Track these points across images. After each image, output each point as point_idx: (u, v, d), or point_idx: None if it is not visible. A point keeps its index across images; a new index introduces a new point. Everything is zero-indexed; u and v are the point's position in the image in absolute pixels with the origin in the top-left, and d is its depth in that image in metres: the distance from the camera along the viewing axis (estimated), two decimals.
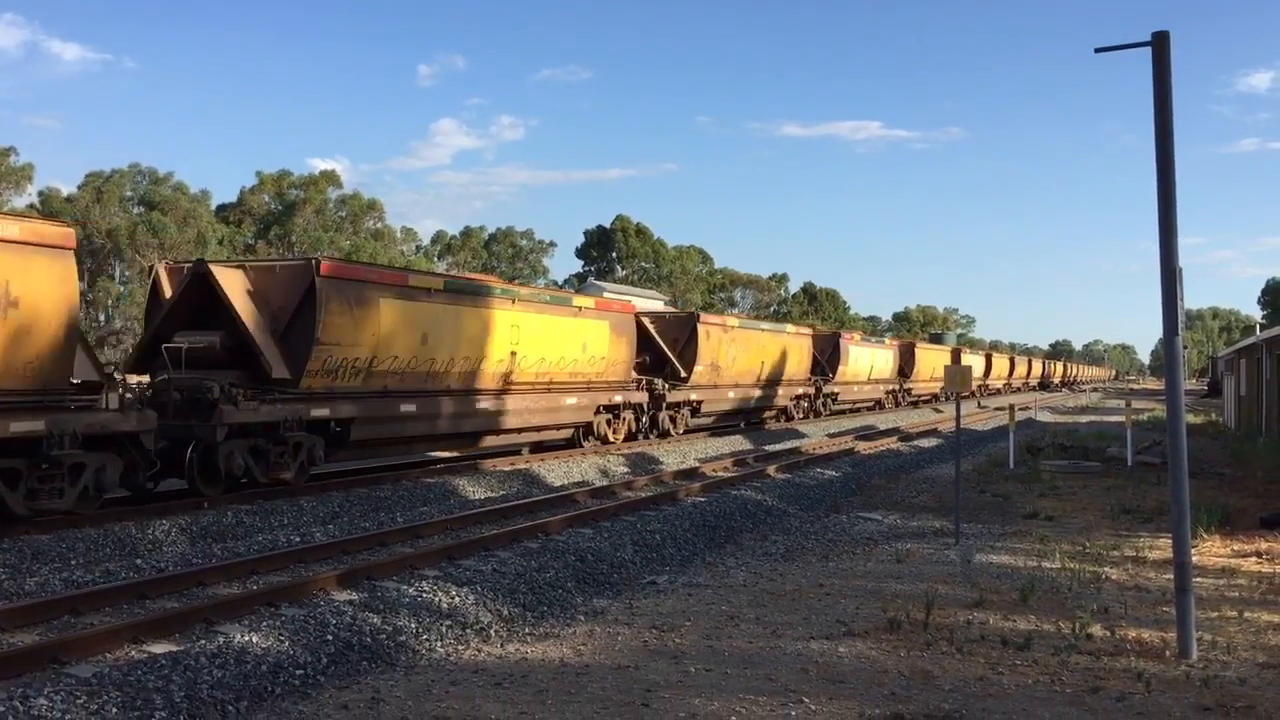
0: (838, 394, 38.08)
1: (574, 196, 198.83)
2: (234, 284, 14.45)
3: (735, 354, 28.15)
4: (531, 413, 19.85)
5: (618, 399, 22.87)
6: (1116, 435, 26.70)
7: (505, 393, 18.96)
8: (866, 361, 41.01)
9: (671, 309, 50.66)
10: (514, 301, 19.10)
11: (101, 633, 7.27)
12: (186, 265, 15.16)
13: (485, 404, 18.37)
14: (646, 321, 25.63)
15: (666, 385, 25.10)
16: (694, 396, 26.47)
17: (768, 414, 32.85)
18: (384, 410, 16.05)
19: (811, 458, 21.99)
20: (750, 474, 18.30)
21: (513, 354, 18.74)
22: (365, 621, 7.81)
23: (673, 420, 25.73)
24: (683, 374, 25.66)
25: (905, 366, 47.40)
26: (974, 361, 58.43)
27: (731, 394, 28.66)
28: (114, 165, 66.89)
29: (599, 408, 22.24)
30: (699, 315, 27.15)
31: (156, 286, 15.35)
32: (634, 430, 23.94)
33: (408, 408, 16.45)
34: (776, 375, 31.67)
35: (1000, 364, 70.45)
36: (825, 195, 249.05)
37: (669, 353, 25.64)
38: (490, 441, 19.84)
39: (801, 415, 34.80)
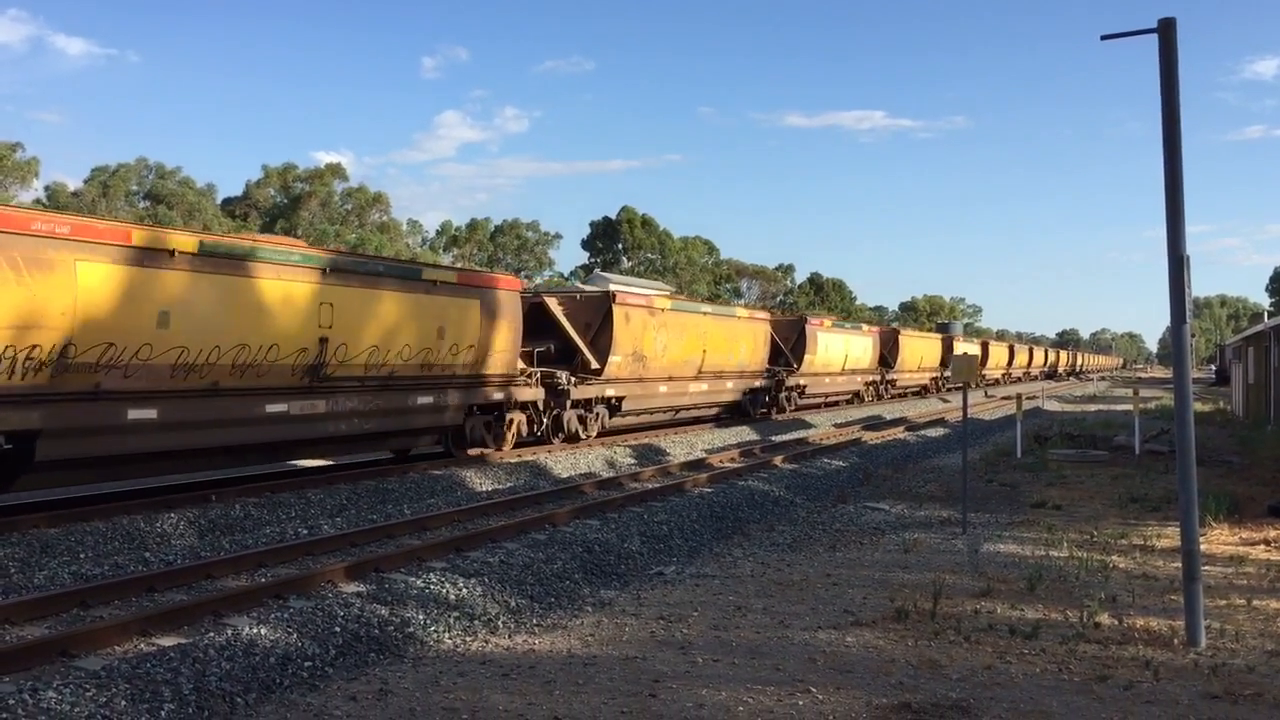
0: (804, 386, 33.92)
1: (579, 188, 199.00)
2: None
3: (667, 341, 24.06)
4: (362, 416, 15.71)
5: (498, 397, 18.67)
6: (1124, 424, 26.67)
7: (313, 392, 14.76)
8: (839, 350, 36.87)
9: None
10: (326, 272, 14.77)
11: (110, 626, 7.30)
12: None
13: (281, 407, 14.25)
14: (552, 303, 21.64)
15: (572, 379, 20.83)
16: (611, 392, 22.31)
17: (717, 410, 29.12)
18: (96, 418, 11.82)
19: (818, 448, 22.01)
20: (756, 465, 18.33)
21: (323, 341, 14.60)
22: (373, 613, 7.83)
23: (583, 421, 21.61)
24: (594, 365, 21.54)
25: (888, 356, 43.71)
26: (968, 350, 57.35)
27: (664, 389, 24.50)
28: (120, 159, 67.09)
29: (471, 408, 18.12)
30: (614, 295, 22.63)
31: None
32: (527, 434, 20.07)
33: (142, 414, 12.27)
34: (725, 366, 27.66)
35: (998, 353, 69.98)
36: (830, 185, 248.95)
37: (579, 340, 21.43)
38: (304, 454, 15.95)
39: (761, 411, 30.63)
